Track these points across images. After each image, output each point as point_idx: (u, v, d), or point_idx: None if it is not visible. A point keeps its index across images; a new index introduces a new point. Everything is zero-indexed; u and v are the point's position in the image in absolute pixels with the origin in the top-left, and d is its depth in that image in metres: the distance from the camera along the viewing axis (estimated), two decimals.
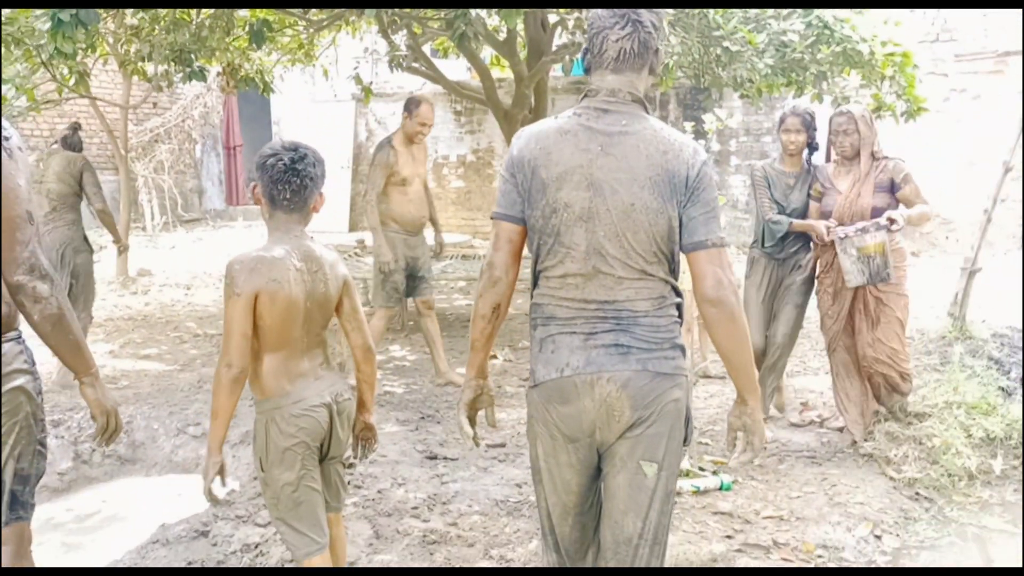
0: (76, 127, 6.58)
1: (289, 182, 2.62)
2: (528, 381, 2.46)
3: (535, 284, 2.42)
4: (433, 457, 4.74)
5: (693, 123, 6.42)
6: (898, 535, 3.79)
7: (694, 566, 3.44)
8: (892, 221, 4.32)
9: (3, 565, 2.36)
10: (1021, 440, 4.51)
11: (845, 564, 3.51)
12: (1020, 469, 4.36)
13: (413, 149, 5.97)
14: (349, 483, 4.27)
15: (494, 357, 6.71)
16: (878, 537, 3.76)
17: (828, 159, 4.86)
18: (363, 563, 3.52)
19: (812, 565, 3.47)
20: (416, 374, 6.41)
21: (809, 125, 4.92)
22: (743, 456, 2.44)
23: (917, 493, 4.19)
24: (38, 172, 6.16)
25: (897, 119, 7.01)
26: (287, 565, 3.44)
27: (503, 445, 4.88)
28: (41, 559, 2.53)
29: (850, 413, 4.81)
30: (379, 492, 4.21)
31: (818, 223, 4.67)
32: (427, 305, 6.12)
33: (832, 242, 4.57)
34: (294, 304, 2.60)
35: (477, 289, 2.44)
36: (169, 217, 14.82)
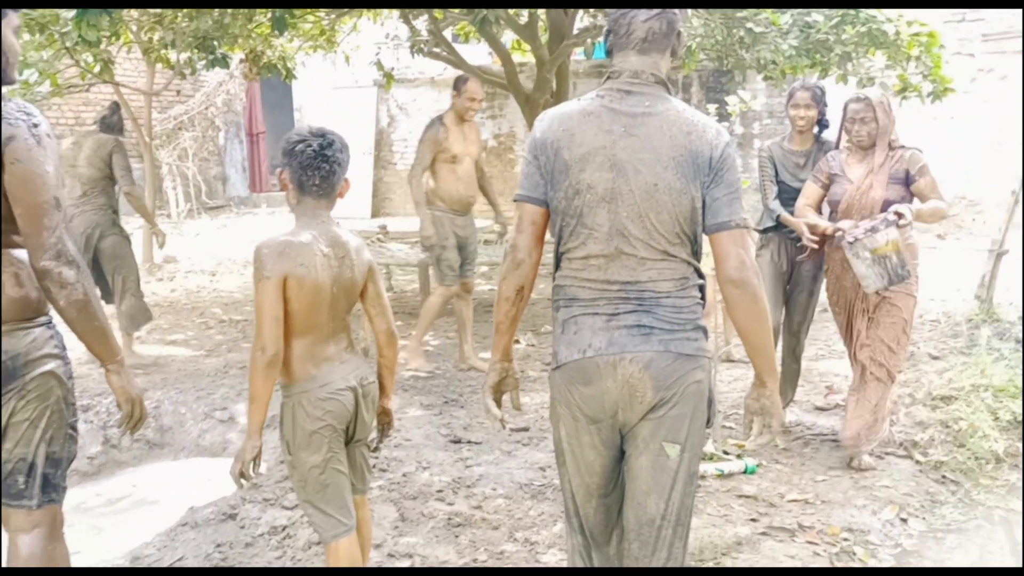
0: (115, 108, 6.53)
1: (319, 168, 2.63)
2: (550, 364, 2.47)
3: (557, 266, 2.42)
4: (457, 441, 4.77)
5: (717, 105, 6.37)
6: (924, 518, 3.77)
7: (719, 549, 3.44)
8: (900, 215, 3.93)
9: (37, 547, 2.41)
10: (1021, 435, 4.44)
11: (871, 547, 3.50)
12: (1021, 462, 4.28)
13: (465, 128, 5.93)
14: (374, 466, 4.30)
15: (516, 342, 6.72)
16: (904, 520, 3.75)
17: (838, 145, 4.55)
18: (389, 545, 3.56)
19: (837, 548, 3.46)
20: (440, 359, 6.43)
21: (819, 100, 4.66)
22: (761, 439, 2.44)
23: (944, 476, 4.17)
24: (71, 156, 6.16)
25: (923, 100, 6.93)
26: (314, 547, 3.48)
27: (527, 429, 4.90)
28: (71, 542, 2.57)
29: (855, 447, 4.26)
30: (404, 475, 4.24)
31: (804, 222, 4.35)
32: (466, 288, 6.13)
33: (824, 239, 4.34)
34: (321, 289, 2.62)
35: (500, 272, 2.44)
36: (193, 204, 14.91)
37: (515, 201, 2.43)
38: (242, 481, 2.64)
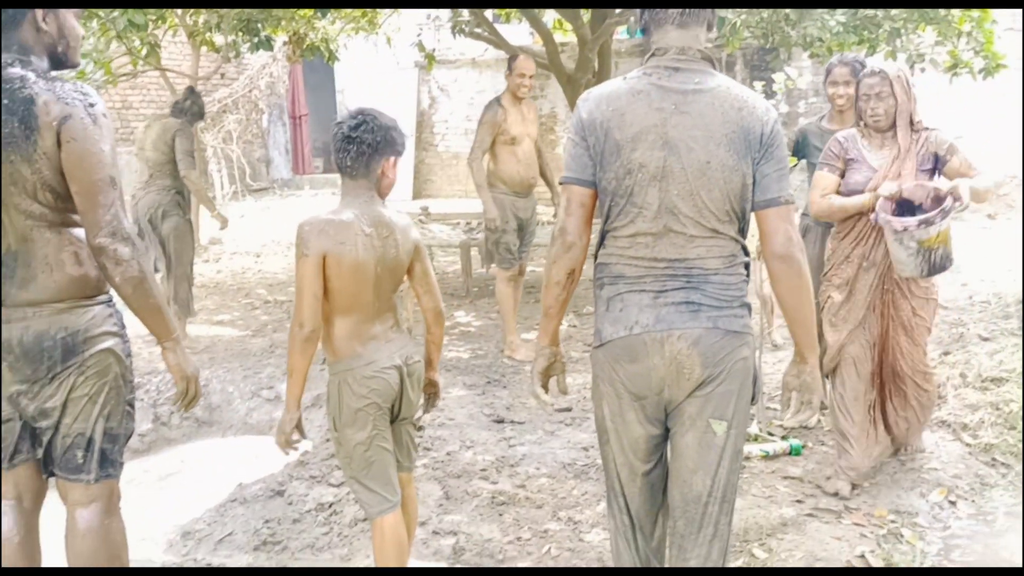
0: (190, 93, 6.61)
1: (347, 149, 2.66)
2: (593, 343, 2.46)
3: (601, 244, 2.41)
4: (500, 421, 4.79)
5: (763, 83, 6.26)
6: (974, 501, 3.72)
7: (763, 530, 3.43)
8: (957, 199, 3.43)
9: (94, 521, 2.47)
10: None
11: (919, 529, 3.46)
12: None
13: (523, 109, 5.90)
14: (419, 445, 4.35)
15: None
16: (952, 503, 3.70)
17: (830, 120, 4.15)
18: (434, 523, 3.59)
19: (884, 530, 3.43)
20: (481, 340, 6.46)
21: (860, 75, 4.18)
22: (800, 415, 2.44)
23: (994, 459, 4.10)
24: (141, 140, 6.30)
25: (975, 76, 6.78)
26: (360, 523, 3.52)
27: (569, 409, 4.91)
28: (124, 518, 2.64)
29: (854, 450, 3.80)
30: (448, 454, 4.28)
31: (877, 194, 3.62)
32: (520, 270, 6.13)
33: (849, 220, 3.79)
34: (362, 268, 2.64)
35: (549, 255, 2.43)
36: (238, 186, 15.07)
37: (562, 184, 2.42)
38: (287, 450, 2.73)
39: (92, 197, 2.28)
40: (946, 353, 5.58)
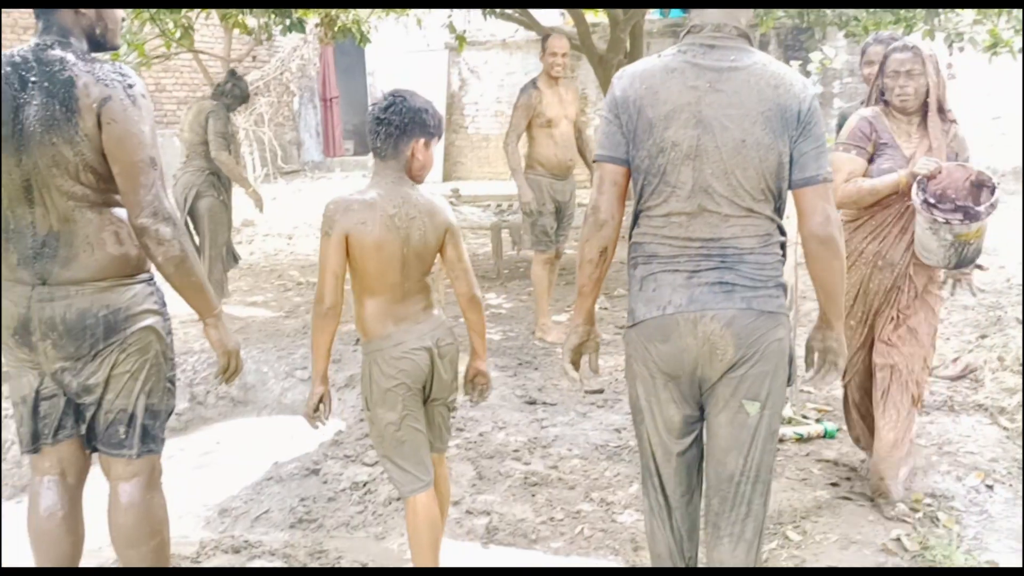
0: (231, 75, 6.68)
1: (377, 131, 2.68)
2: (626, 323, 2.45)
3: (635, 224, 2.40)
4: (532, 402, 4.80)
5: (799, 62, 6.19)
6: (1011, 485, 3.68)
7: (798, 512, 3.42)
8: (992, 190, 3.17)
9: (136, 495, 2.51)
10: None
11: (955, 513, 3.43)
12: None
13: (560, 90, 5.86)
14: (451, 426, 4.37)
15: None
16: (989, 487, 3.66)
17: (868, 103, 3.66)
18: (467, 503, 3.62)
19: (920, 514, 3.41)
20: (512, 322, 6.47)
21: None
22: (826, 376, 2.45)
23: None
24: (182, 122, 6.44)
25: (1015, 55, 6.66)
26: (394, 502, 3.55)
27: (601, 391, 4.91)
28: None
29: (891, 458, 3.47)
30: (481, 435, 4.30)
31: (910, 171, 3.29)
32: (557, 254, 6.11)
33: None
34: (385, 248, 2.64)
35: (583, 234, 2.42)
36: (270, 169, 15.17)
37: (595, 162, 2.41)
38: (315, 424, 2.78)
39: (133, 178, 2.32)
40: (983, 336, 5.53)
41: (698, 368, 2.31)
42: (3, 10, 2.33)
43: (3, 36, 2.25)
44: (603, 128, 2.38)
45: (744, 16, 2.32)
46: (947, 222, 3.17)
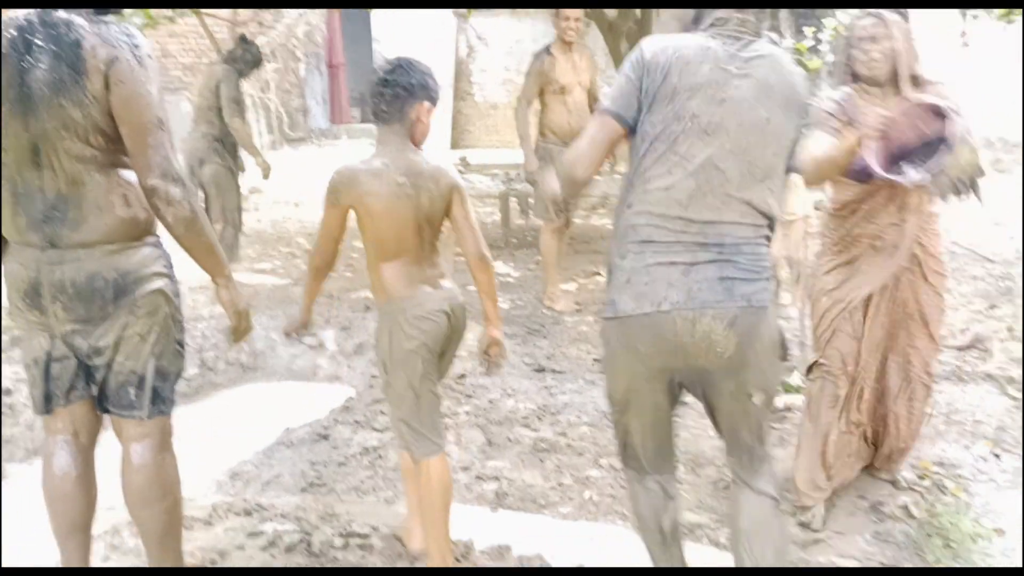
0: (242, 40, 6.62)
1: (382, 93, 2.69)
2: (604, 312, 2.35)
3: (626, 198, 2.32)
4: (541, 370, 4.82)
5: (813, 28, 6.10)
6: (1018, 454, 3.68)
7: None
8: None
9: (148, 456, 2.53)
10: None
11: (963, 481, 3.44)
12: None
13: (574, 57, 5.79)
14: (460, 393, 4.39)
15: (597, 274, 6.72)
16: (997, 456, 3.68)
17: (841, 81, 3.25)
18: (477, 468, 3.64)
19: (928, 482, 3.42)
20: (520, 290, 6.46)
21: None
22: None
23: None
24: (194, 88, 6.41)
25: None
26: None
27: None
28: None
29: (839, 473, 3.31)
30: (490, 402, 4.31)
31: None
32: (566, 223, 6.09)
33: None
34: (397, 215, 2.66)
35: (561, 174, 2.43)
36: (276, 136, 15.11)
37: (599, 112, 2.34)
38: (291, 336, 3.06)
39: (142, 139, 2.31)
40: (992, 307, 5.51)
41: (694, 361, 2.28)
42: (3, 10, 2.34)
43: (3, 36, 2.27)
44: (619, 85, 2.32)
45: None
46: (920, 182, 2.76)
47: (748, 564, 2.41)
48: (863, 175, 2.89)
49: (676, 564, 2.57)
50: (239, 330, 2.63)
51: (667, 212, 2.23)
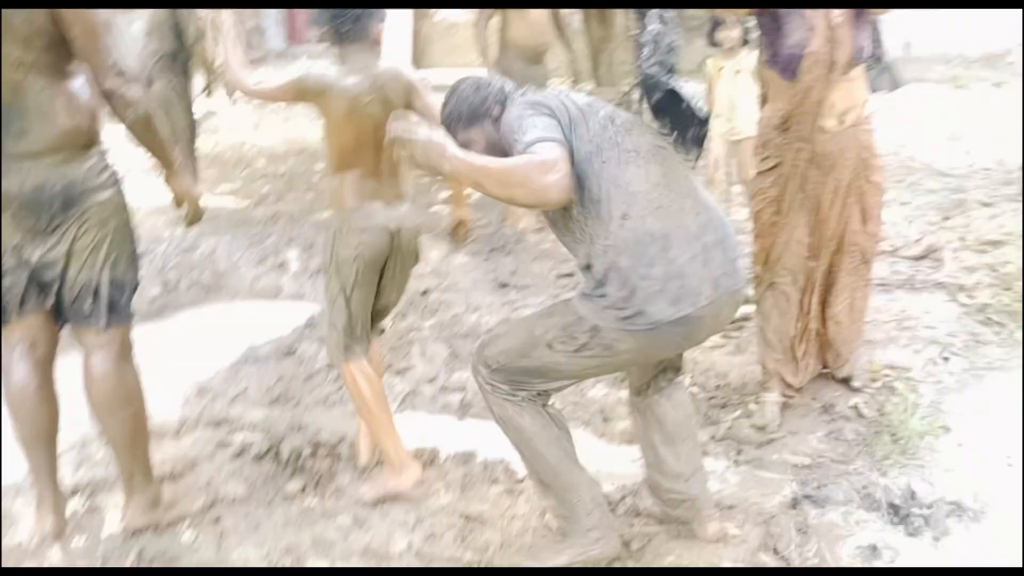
0: None
1: (344, 13, 2.73)
2: (623, 324, 2.22)
3: (622, 215, 2.21)
4: (505, 285, 4.87)
5: None
6: (967, 357, 3.81)
7: (761, 383, 3.52)
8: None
9: (108, 366, 2.55)
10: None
11: (912, 383, 3.56)
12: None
13: None
14: (424, 308, 4.44)
15: None
16: (946, 359, 3.79)
17: None
18: (442, 379, 3.71)
19: (879, 384, 3.53)
20: (484, 210, 6.43)
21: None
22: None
23: (988, 318, 4.17)
24: None
25: None
26: None
27: (572, 275, 4.96)
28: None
29: (778, 350, 3.40)
30: (453, 317, 4.36)
31: None
32: None
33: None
34: (358, 128, 2.74)
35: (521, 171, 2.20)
36: None
37: (536, 143, 2.20)
38: None
39: (93, 40, 2.33)
40: (946, 218, 5.62)
41: (697, 342, 2.46)
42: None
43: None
44: (538, 123, 2.24)
45: None
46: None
47: (670, 445, 2.55)
48: (793, 61, 3.02)
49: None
50: (190, 215, 2.75)
51: (660, 198, 2.25)
